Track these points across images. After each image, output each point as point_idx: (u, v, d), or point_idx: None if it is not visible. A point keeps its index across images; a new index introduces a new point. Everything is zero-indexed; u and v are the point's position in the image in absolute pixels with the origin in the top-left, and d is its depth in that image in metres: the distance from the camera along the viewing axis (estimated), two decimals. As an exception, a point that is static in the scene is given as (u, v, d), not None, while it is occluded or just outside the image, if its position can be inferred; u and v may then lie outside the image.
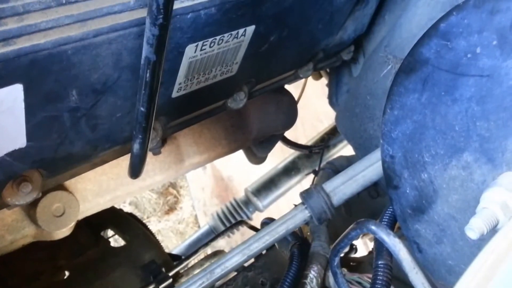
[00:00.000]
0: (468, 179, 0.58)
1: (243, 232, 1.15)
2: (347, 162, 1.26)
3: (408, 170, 0.65)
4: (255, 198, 1.65)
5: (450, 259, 0.64)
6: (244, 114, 1.08)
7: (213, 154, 1.05)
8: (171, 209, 2.90)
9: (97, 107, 0.63)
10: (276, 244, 0.86)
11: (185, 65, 0.69)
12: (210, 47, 0.69)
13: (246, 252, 0.76)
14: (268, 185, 1.65)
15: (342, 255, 0.72)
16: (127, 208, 2.73)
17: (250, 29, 0.72)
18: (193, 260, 0.96)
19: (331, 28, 0.91)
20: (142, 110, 0.59)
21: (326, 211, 0.77)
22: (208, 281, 0.74)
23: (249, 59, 0.78)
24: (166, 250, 1.12)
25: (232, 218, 1.72)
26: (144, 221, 1.15)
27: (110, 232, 1.09)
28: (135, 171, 0.71)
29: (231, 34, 0.70)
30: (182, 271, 0.93)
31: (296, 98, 1.23)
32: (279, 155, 1.63)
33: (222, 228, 1.71)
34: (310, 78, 1.27)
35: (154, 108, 0.60)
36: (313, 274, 0.78)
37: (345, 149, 1.56)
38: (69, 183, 0.81)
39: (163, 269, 0.90)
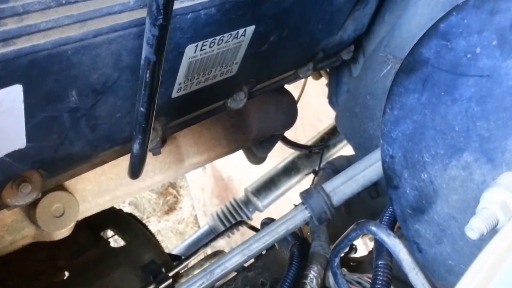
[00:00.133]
0: (468, 179, 0.58)
1: (243, 232, 1.15)
2: (347, 162, 1.26)
3: (408, 170, 0.65)
4: (255, 198, 1.65)
5: (450, 259, 0.64)
6: (244, 114, 1.08)
7: (213, 154, 1.05)
8: (171, 209, 2.90)
9: (97, 107, 0.63)
10: (276, 244, 0.86)
11: (185, 65, 0.69)
12: (210, 47, 0.69)
13: (246, 252, 0.76)
14: (268, 185, 1.65)
15: (342, 255, 0.72)
16: (126, 208, 2.73)
17: (250, 29, 0.72)
18: (193, 260, 0.96)
19: (331, 28, 0.91)
20: (142, 110, 0.59)
21: (326, 211, 0.77)
22: (208, 281, 0.74)
23: (249, 59, 0.78)
24: (166, 250, 1.12)
25: (232, 218, 1.71)
26: (143, 221, 1.15)
27: (109, 233, 1.09)
28: (135, 171, 0.71)
29: (231, 34, 0.70)
30: (182, 271, 0.93)
31: (296, 98, 1.23)
32: (279, 155, 1.63)
33: (222, 228, 1.71)
34: (310, 78, 1.27)
35: (154, 108, 0.60)
36: (313, 274, 0.78)
37: (345, 149, 1.56)
38: (68, 184, 0.81)
39: (163, 270, 0.90)
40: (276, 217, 0.82)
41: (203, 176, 2.87)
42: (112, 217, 1.05)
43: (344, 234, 0.69)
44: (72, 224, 0.80)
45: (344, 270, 0.77)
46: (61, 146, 0.64)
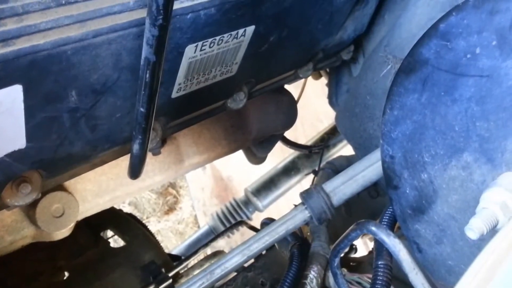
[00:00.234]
0: (468, 179, 0.58)
1: (243, 233, 1.15)
2: (347, 162, 1.26)
3: (408, 170, 0.65)
4: (255, 198, 1.65)
5: (450, 259, 0.64)
6: (244, 114, 1.08)
7: (213, 155, 1.05)
8: (170, 209, 2.90)
9: (97, 107, 0.63)
10: (276, 244, 0.86)
11: (185, 66, 0.69)
12: (209, 47, 0.69)
13: (246, 252, 0.76)
14: (268, 185, 1.65)
15: (342, 255, 0.72)
16: (126, 209, 2.73)
17: (250, 29, 0.72)
18: (193, 261, 0.96)
19: (331, 28, 0.91)
20: (142, 110, 0.59)
21: (326, 211, 0.77)
22: (208, 281, 0.74)
23: (249, 59, 0.78)
24: (166, 251, 1.12)
25: (232, 218, 1.71)
26: (143, 222, 1.15)
27: (109, 233, 1.09)
28: (135, 171, 0.71)
29: (231, 35, 0.70)
30: (182, 271, 0.93)
31: (296, 98, 1.23)
32: (279, 155, 1.63)
33: (222, 228, 1.71)
34: (310, 78, 1.27)
35: (153, 108, 0.60)
36: (313, 275, 0.78)
37: (345, 149, 1.56)
38: (68, 184, 0.81)
39: (163, 270, 0.90)
40: (276, 217, 0.82)
41: (203, 176, 2.87)
42: (112, 217, 1.05)
43: (344, 234, 0.69)
44: (72, 224, 0.80)
45: (344, 270, 0.77)
46: (61, 146, 0.64)
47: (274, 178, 1.64)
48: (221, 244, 2.18)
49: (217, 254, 0.97)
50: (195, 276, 0.75)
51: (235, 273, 0.83)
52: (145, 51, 0.53)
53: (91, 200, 0.87)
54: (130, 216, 1.11)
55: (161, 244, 1.08)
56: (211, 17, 0.64)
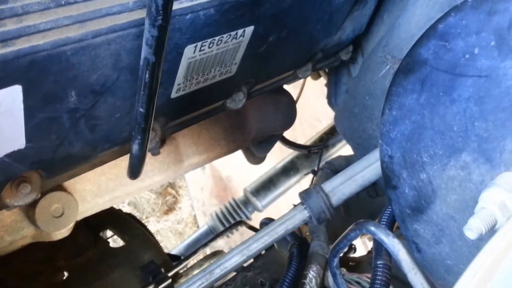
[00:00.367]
0: (467, 179, 0.58)
1: (242, 232, 1.15)
2: (346, 162, 1.27)
3: (407, 170, 0.65)
4: (254, 198, 1.65)
5: (449, 259, 0.64)
6: (243, 115, 1.08)
7: (212, 155, 1.05)
8: (170, 209, 2.90)
9: (96, 107, 0.63)
10: (275, 244, 0.86)
11: (184, 66, 0.69)
12: (209, 47, 0.69)
13: (245, 252, 0.76)
14: (267, 185, 1.65)
15: (341, 255, 0.72)
16: (126, 209, 2.73)
17: (249, 29, 0.72)
18: (192, 261, 0.96)
19: (330, 29, 0.92)
20: (141, 110, 0.59)
21: (325, 211, 0.78)
22: (207, 281, 0.74)
23: (248, 59, 0.78)
24: (165, 251, 1.12)
25: (231, 218, 1.72)
26: (143, 221, 1.15)
27: (109, 233, 1.09)
28: (134, 171, 0.71)
29: (230, 35, 0.70)
30: (181, 271, 0.93)
31: (295, 98, 1.23)
32: (278, 155, 1.63)
33: (221, 228, 1.71)
34: (309, 78, 1.27)
35: (153, 108, 0.60)
36: (312, 274, 0.78)
37: (344, 149, 1.56)
38: (68, 184, 0.81)
39: (162, 270, 0.90)
40: (275, 217, 0.82)
41: (202, 176, 2.87)
42: (112, 217, 1.05)
43: (343, 234, 0.70)
44: (72, 225, 0.80)
45: (343, 270, 0.77)
46: (61, 147, 0.64)
47: (273, 178, 1.64)
48: (220, 244, 2.18)
49: (217, 254, 0.98)
50: (194, 276, 0.75)
51: (235, 273, 0.83)
52: (145, 52, 0.53)
53: (90, 200, 0.87)
54: (130, 216, 1.11)
55: (161, 244, 1.08)
56: (210, 17, 0.64)
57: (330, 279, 0.79)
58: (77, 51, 0.54)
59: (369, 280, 0.70)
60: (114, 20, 0.55)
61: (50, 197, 0.77)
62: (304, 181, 1.67)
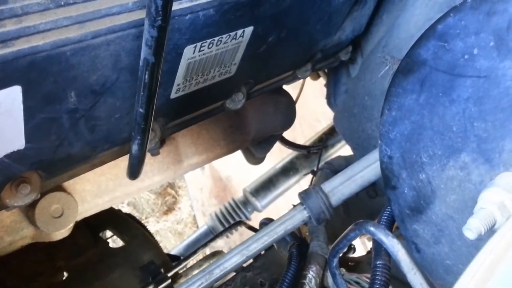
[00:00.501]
0: (466, 179, 0.58)
1: (241, 233, 1.15)
2: (345, 162, 1.27)
3: (406, 171, 0.66)
4: (254, 198, 1.65)
5: (448, 259, 0.64)
6: (243, 115, 1.08)
7: (212, 155, 1.05)
8: (169, 209, 2.90)
9: (96, 108, 0.63)
10: (274, 244, 0.86)
11: (184, 66, 0.69)
12: (208, 48, 0.69)
13: (245, 252, 0.76)
14: (266, 185, 1.65)
15: (340, 255, 0.72)
16: (125, 209, 2.73)
17: (249, 30, 0.72)
18: (191, 261, 0.96)
19: (329, 29, 0.92)
20: (141, 111, 0.59)
21: (324, 211, 0.78)
22: (207, 281, 0.74)
23: (248, 60, 0.78)
24: (165, 251, 1.12)
25: (231, 219, 1.72)
26: (142, 222, 1.15)
27: (108, 233, 1.09)
28: (134, 172, 0.71)
29: (230, 35, 0.70)
30: (181, 271, 0.93)
31: (294, 99, 1.23)
32: (278, 155, 1.64)
33: (221, 228, 1.71)
34: (308, 79, 1.27)
35: (152, 109, 0.60)
36: (311, 275, 0.78)
37: (343, 149, 1.57)
38: (67, 184, 0.81)
39: (162, 270, 0.90)
40: (274, 218, 0.82)
41: (201, 176, 2.87)
42: (111, 218, 1.05)
43: (342, 234, 0.70)
44: (71, 225, 0.80)
45: (343, 270, 0.77)
46: (60, 147, 0.64)
47: (273, 178, 1.65)
48: (220, 244, 2.18)
49: (216, 254, 0.98)
50: (194, 276, 0.75)
51: (234, 273, 0.83)
52: (144, 52, 0.53)
53: (90, 201, 0.87)
54: (129, 216, 1.11)
55: (160, 244, 1.08)
56: (210, 18, 0.64)
57: (329, 279, 0.79)
58: (76, 51, 0.54)
59: (368, 280, 0.70)
60: (113, 20, 0.55)
61: (50, 198, 0.77)
62: (304, 181, 1.67)
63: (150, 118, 0.61)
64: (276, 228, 0.78)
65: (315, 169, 1.38)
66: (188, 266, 0.95)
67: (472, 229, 0.49)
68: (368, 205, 1.19)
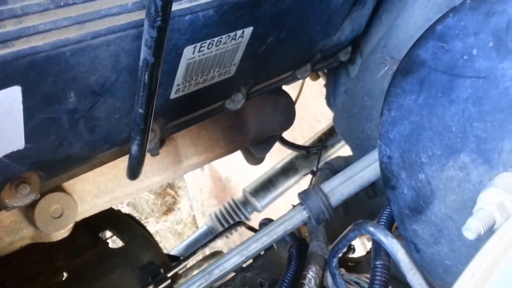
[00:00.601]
0: (465, 179, 0.59)
1: (241, 233, 1.15)
2: (345, 162, 1.27)
3: (406, 171, 0.66)
4: (253, 199, 1.65)
5: (448, 259, 0.64)
6: (242, 115, 1.08)
7: (211, 155, 1.05)
8: (169, 209, 2.90)
9: (95, 108, 0.63)
10: (274, 244, 0.87)
11: (183, 67, 0.69)
12: (208, 48, 0.69)
13: (245, 252, 0.76)
14: (266, 186, 1.65)
15: (340, 255, 0.72)
16: (125, 209, 2.73)
17: (248, 30, 0.72)
18: (191, 261, 0.96)
19: (329, 29, 0.92)
20: (141, 111, 0.59)
21: (324, 211, 0.78)
22: (206, 282, 0.74)
23: (247, 60, 0.78)
24: (164, 251, 1.12)
25: (230, 219, 1.72)
26: (142, 222, 1.15)
27: (108, 233, 1.09)
28: (133, 172, 0.71)
29: (229, 36, 0.70)
30: (180, 272, 0.93)
31: (294, 99, 1.23)
32: (277, 156, 1.64)
33: (220, 228, 1.71)
34: (308, 79, 1.27)
35: (152, 109, 0.60)
36: (311, 275, 0.78)
37: (343, 150, 1.57)
38: (67, 185, 0.81)
39: (162, 270, 0.90)
40: (274, 218, 0.82)
41: (201, 176, 2.87)
42: (111, 218, 1.05)
43: (342, 234, 0.70)
44: (71, 225, 0.80)
45: (342, 270, 0.77)
46: (60, 147, 0.64)
47: (272, 178, 1.65)
48: (219, 244, 2.18)
49: (216, 254, 0.98)
50: (193, 277, 0.75)
51: (234, 274, 0.83)
52: (144, 53, 0.53)
53: (89, 201, 0.87)
54: (129, 216, 1.11)
55: (160, 245, 1.08)
56: (210, 18, 0.64)
57: (329, 280, 0.79)
58: (76, 52, 0.54)
59: (368, 281, 0.70)
60: (113, 21, 0.56)
61: (50, 198, 0.77)
62: (303, 182, 1.68)
63: (150, 119, 0.61)
64: (275, 229, 0.78)
65: (314, 169, 1.38)
66: (188, 266, 0.95)
67: (471, 229, 0.49)
68: (367, 205, 1.19)
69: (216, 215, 1.76)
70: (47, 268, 0.95)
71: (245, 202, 1.69)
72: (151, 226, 2.75)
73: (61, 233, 0.80)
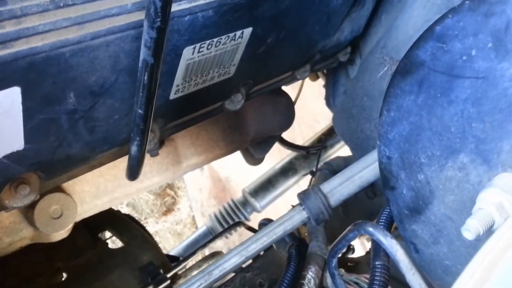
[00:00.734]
0: (464, 180, 0.59)
1: (240, 233, 1.15)
2: (344, 162, 1.27)
3: (405, 171, 0.66)
4: (253, 199, 1.65)
5: (447, 259, 0.64)
6: (242, 116, 1.08)
7: (211, 156, 1.05)
8: (168, 210, 2.90)
9: (95, 109, 0.64)
10: (273, 245, 0.87)
11: (183, 67, 0.69)
12: (207, 49, 0.69)
13: (244, 253, 0.76)
14: (265, 186, 1.65)
15: (339, 255, 0.72)
16: (124, 210, 2.73)
17: (248, 31, 0.72)
18: (191, 262, 0.96)
19: (328, 30, 0.92)
20: (140, 112, 0.59)
21: (323, 212, 0.78)
22: (206, 282, 0.74)
23: (247, 61, 0.78)
24: (164, 252, 1.12)
25: (230, 219, 1.72)
26: (141, 223, 1.15)
27: (107, 234, 1.09)
28: (133, 172, 0.71)
29: (229, 36, 0.70)
30: (180, 272, 0.93)
31: (293, 99, 1.23)
32: (277, 156, 1.64)
33: (220, 229, 1.71)
34: (307, 79, 1.27)
35: (152, 110, 0.60)
36: (310, 275, 0.78)
37: (342, 150, 1.57)
38: (66, 185, 0.81)
39: (161, 271, 0.90)
40: (273, 218, 0.82)
41: (200, 177, 2.87)
42: (110, 219, 1.05)
43: (341, 235, 0.70)
44: (70, 226, 0.80)
45: (342, 270, 0.77)
46: (59, 148, 0.64)
47: (272, 179, 1.65)
48: (219, 245, 2.18)
49: (215, 255, 0.98)
50: (193, 277, 0.75)
51: (233, 274, 0.83)
52: (143, 53, 0.53)
53: (89, 202, 0.87)
54: (128, 217, 1.11)
55: (159, 245, 1.08)
56: (209, 19, 0.64)
57: (328, 280, 0.79)
58: (75, 52, 0.55)
59: (367, 281, 0.70)
60: (112, 22, 0.56)
61: (49, 199, 0.77)
62: (303, 182, 1.68)
63: (149, 119, 0.61)
64: (275, 229, 0.78)
65: (314, 169, 1.38)
66: (187, 266, 0.95)
67: (470, 229, 0.49)
68: (367, 205, 1.19)
69: (215, 216, 1.76)
70: (47, 268, 0.95)
71: (245, 203, 1.70)
72: (151, 227, 2.75)
73: (61, 233, 0.80)
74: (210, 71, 0.74)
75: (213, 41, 0.68)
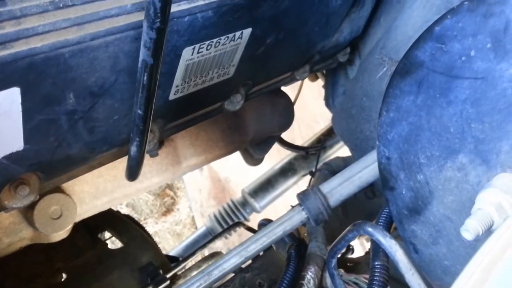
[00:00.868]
0: (463, 180, 0.59)
1: (240, 234, 1.15)
2: (344, 163, 1.27)
3: (404, 172, 0.66)
4: (252, 199, 1.65)
5: (446, 259, 0.64)
6: (241, 116, 1.08)
7: (210, 156, 1.05)
8: (168, 210, 2.89)
9: (95, 110, 0.64)
10: (273, 245, 0.87)
11: (182, 68, 0.69)
12: (207, 49, 0.69)
13: (244, 253, 0.76)
14: (265, 186, 1.65)
15: (339, 256, 0.72)
16: (124, 210, 2.73)
17: (247, 31, 0.72)
18: (190, 262, 0.97)
19: (327, 30, 0.92)
20: (140, 112, 0.59)
21: (323, 212, 0.78)
22: (205, 282, 0.74)
23: (246, 61, 0.78)
24: (163, 252, 1.12)
25: (229, 220, 1.72)
26: (141, 223, 1.15)
27: (107, 234, 1.09)
28: (133, 173, 0.71)
29: (228, 37, 0.70)
30: (179, 272, 0.93)
31: (292, 100, 1.23)
32: (276, 156, 1.64)
33: (219, 229, 1.71)
34: (306, 80, 1.27)
35: (151, 110, 0.60)
36: (310, 275, 0.78)
37: (342, 150, 1.57)
38: (66, 186, 0.82)
39: (161, 271, 0.90)
40: (273, 218, 0.82)
41: (200, 177, 2.87)
42: (110, 219, 1.05)
43: (341, 235, 0.70)
44: (70, 226, 0.80)
45: (341, 270, 0.77)
46: (59, 149, 0.64)
47: (271, 179, 1.65)
48: (218, 245, 2.18)
49: (215, 255, 0.98)
50: (192, 277, 0.75)
51: (233, 274, 0.83)
52: (143, 54, 0.53)
53: (88, 202, 0.87)
54: (128, 217, 1.11)
55: (159, 246, 1.08)
56: (208, 19, 0.64)
57: (328, 280, 0.79)
58: (75, 53, 0.55)
59: (367, 281, 0.71)
60: (112, 22, 0.56)
61: (49, 199, 0.77)
62: (302, 182, 1.68)
63: (149, 120, 0.61)
64: (274, 229, 0.78)
65: (313, 170, 1.38)
66: (187, 267, 0.95)
67: (469, 230, 0.49)
68: (366, 206, 1.19)
69: (215, 216, 1.76)
70: (46, 269, 0.95)
71: (244, 203, 1.70)
72: (150, 227, 2.75)
73: (60, 234, 0.80)
74: (209, 72, 0.74)
75: (212, 41, 0.68)
